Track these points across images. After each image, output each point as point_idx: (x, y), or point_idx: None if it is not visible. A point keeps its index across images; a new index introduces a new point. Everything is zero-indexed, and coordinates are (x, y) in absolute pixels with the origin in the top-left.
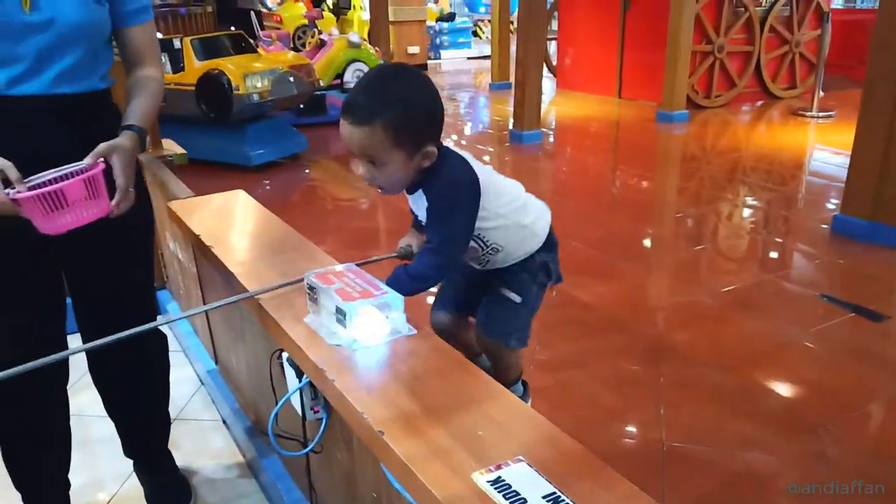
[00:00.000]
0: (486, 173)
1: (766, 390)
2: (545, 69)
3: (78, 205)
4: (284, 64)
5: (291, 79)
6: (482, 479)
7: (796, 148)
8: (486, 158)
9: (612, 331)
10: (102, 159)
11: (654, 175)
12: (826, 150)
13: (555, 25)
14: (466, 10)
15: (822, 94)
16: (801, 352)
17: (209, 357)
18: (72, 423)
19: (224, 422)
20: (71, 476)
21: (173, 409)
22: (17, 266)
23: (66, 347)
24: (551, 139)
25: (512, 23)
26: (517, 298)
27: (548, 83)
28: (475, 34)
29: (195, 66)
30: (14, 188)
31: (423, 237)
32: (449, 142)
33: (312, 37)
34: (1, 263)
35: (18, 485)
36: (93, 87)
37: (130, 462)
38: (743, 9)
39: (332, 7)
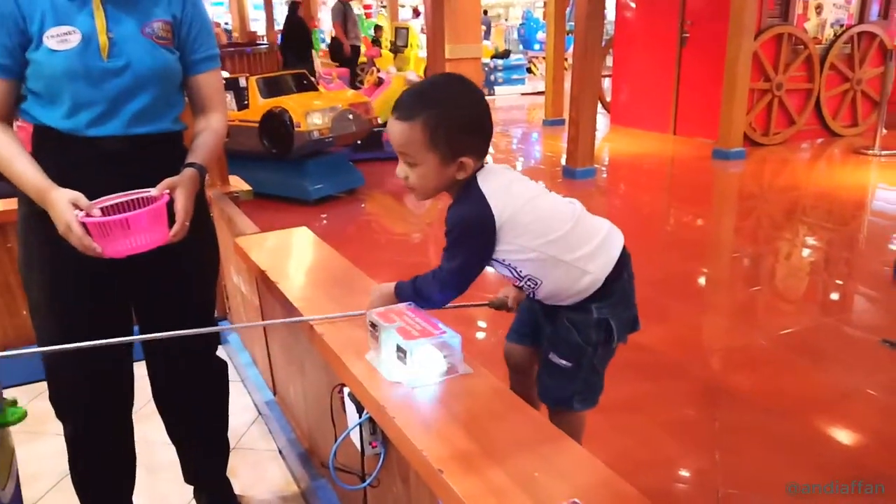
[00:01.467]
0: (516, 205)
1: (825, 439)
2: (599, 105)
3: (140, 232)
4: (344, 102)
5: (350, 116)
6: None
7: (858, 187)
8: None
9: (667, 373)
10: (167, 191)
11: (709, 213)
12: (889, 189)
13: (610, 62)
14: (521, 47)
15: (884, 132)
16: (862, 399)
17: (268, 388)
18: (137, 448)
19: (280, 452)
20: (135, 499)
21: (232, 438)
22: (89, 297)
23: (132, 376)
24: (604, 175)
25: (567, 59)
26: (566, 364)
27: (601, 119)
28: (529, 71)
29: (259, 104)
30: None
31: (520, 293)
32: None
33: (371, 75)
34: (75, 293)
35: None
36: (165, 128)
37: (191, 488)
38: (802, 46)
39: (390, 46)
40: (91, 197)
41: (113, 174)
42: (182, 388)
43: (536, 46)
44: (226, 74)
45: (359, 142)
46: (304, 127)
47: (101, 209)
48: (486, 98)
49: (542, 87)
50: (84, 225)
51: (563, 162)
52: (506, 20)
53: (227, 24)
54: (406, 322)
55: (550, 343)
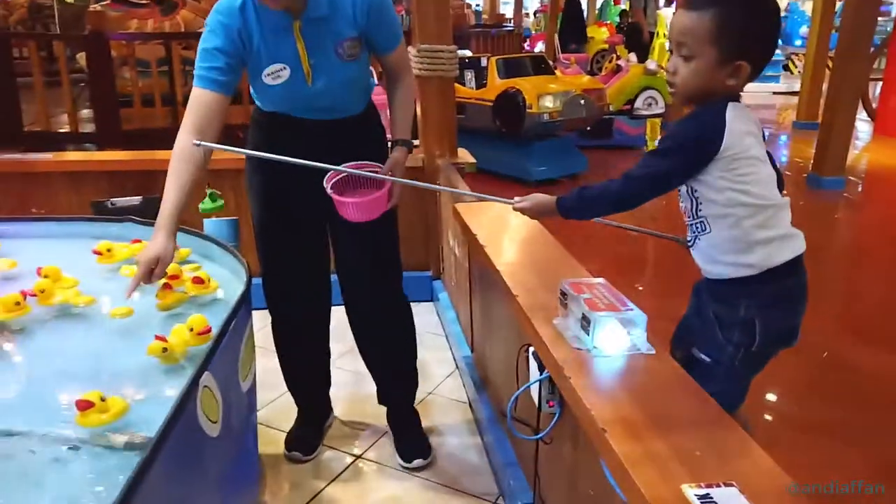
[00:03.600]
0: (742, 149)
1: None
2: (861, 111)
3: (365, 210)
4: (578, 87)
5: (582, 101)
6: (691, 491)
7: None
8: None
9: (885, 405)
10: (389, 183)
11: None
12: None
13: (884, 64)
14: (780, 41)
15: None
16: None
17: (466, 345)
18: (349, 378)
19: (470, 405)
20: (335, 407)
21: (428, 386)
22: (305, 234)
23: (329, 305)
24: (859, 189)
25: (831, 58)
26: (706, 358)
27: (863, 127)
28: (786, 68)
29: (496, 84)
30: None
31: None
32: None
33: (610, 62)
34: (295, 229)
35: (295, 395)
36: (357, 111)
37: (384, 410)
38: None
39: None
40: (298, 158)
41: (315, 145)
42: (374, 322)
43: (798, 42)
44: (468, 53)
45: (588, 128)
46: (536, 109)
47: (335, 184)
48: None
49: (797, 87)
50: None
51: (810, 169)
52: None
53: (477, 5)
54: (595, 294)
55: (696, 337)
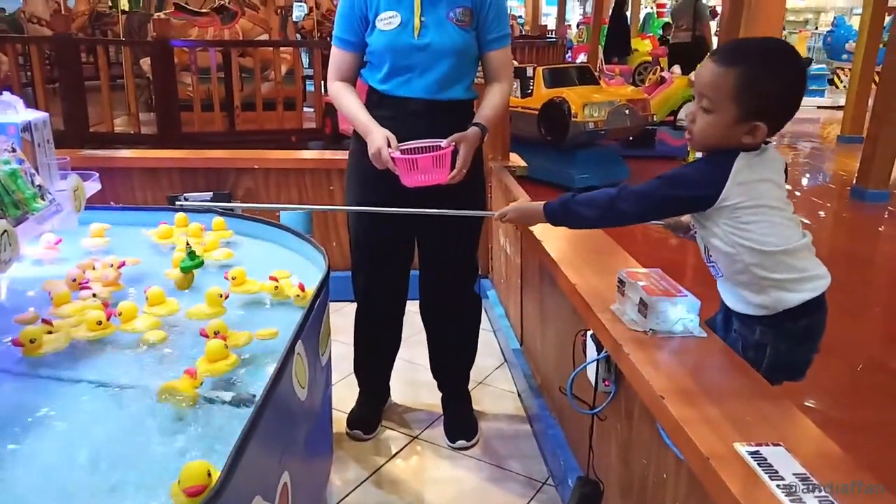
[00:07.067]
0: (747, 202)
1: None
2: None
3: (426, 171)
4: (622, 97)
5: (627, 111)
6: (742, 448)
7: None
8: (821, 213)
9: None
10: (453, 144)
11: None
12: None
13: None
14: (826, 56)
15: None
16: None
17: (515, 338)
18: (405, 366)
19: (519, 395)
20: (394, 386)
21: (479, 376)
22: (383, 221)
23: (406, 299)
24: None
25: (877, 73)
26: None
27: None
28: (831, 83)
29: (542, 93)
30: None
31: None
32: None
33: (654, 73)
34: (381, 225)
35: (360, 378)
36: (458, 96)
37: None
38: None
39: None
40: (398, 141)
41: (415, 128)
42: (443, 310)
43: (844, 56)
44: (514, 63)
45: (631, 138)
46: (581, 118)
47: (403, 150)
48: None
49: (842, 102)
50: (393, 159)
51: (854, 182)
52: (815, 27)
53: (520, 17)
54: (651, 281)
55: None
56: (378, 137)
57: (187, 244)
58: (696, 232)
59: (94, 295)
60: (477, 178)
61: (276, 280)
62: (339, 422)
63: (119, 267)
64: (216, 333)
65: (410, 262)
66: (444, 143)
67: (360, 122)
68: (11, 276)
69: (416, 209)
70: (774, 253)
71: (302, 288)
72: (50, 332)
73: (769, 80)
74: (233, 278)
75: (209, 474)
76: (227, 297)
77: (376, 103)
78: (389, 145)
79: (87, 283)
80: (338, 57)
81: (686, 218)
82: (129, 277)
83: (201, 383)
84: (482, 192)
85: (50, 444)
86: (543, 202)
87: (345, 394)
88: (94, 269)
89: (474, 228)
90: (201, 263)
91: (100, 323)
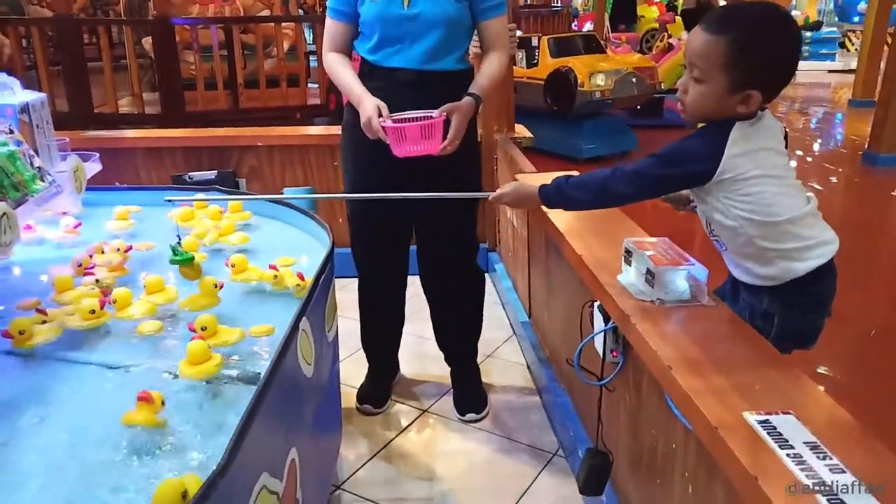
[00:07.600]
0: (748, 172)
1: None
2: None
3: (416, 141)
4: (629, 65)
5: (634, 80)
6: (752, 417)
7: None
8: (833, 179)
9: None
10: (445, 114)
11: None
12: None
13: None
14: (836, 19)
15: None
16: None
17: (524, 311)
18: (413, 341)
19: (528, 367)
20: (405, 370)
21: (488, 349)
22: (388, 207)
23: (407, 274)
24: None
25: (890, 34)
26: None
27: None
28: (842, 45)
29: (547, 63)
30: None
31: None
32: (794, 157)
33: (661, 41)
34: (366, 179)
35: (368, 353)
36: (448, 67)
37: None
38: None
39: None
40: (390, 112)
41: (405, 99)
42: (447, 285)
43: (856, 19)
44: (519, 34)
45: (638, 106)
46: (587, 87)
47: (396, 121)
48: None
49: (853, 65)
50: (384, 129)
51: (867, 146)
52: None
53: None
54: (658, 251)
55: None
56: (369, 106)
57: (178, 237)
58: (696, 205)
59: (97, 281)
60: (471, 149)
61: (275, 269)
62: (349, 397)
63: (126, 251)
64: (203, 329)
65: (409, 237)
66: (435, 113)
67: (353, 93)
68: (28, 259)
69: (412, 194)
70: (778, 223)
71: (301, 277)
72: (44, 322)
73: (760, 48)
74: (233, 265)
75: (184, 496)
76: (221, 286)
77: (367, 74)
78: (381, 115)
79: (92, 268)
80: (332, 28)
81: (686, 192)
82: (140, 262)
83: (163, 403)
84: (477, 163)
85: (55, 423)
86: (539, 185)
87: (354, 369)
88: (103, 253)
89: (470, 204)
90: (191, 259)
91: (93, 312)
